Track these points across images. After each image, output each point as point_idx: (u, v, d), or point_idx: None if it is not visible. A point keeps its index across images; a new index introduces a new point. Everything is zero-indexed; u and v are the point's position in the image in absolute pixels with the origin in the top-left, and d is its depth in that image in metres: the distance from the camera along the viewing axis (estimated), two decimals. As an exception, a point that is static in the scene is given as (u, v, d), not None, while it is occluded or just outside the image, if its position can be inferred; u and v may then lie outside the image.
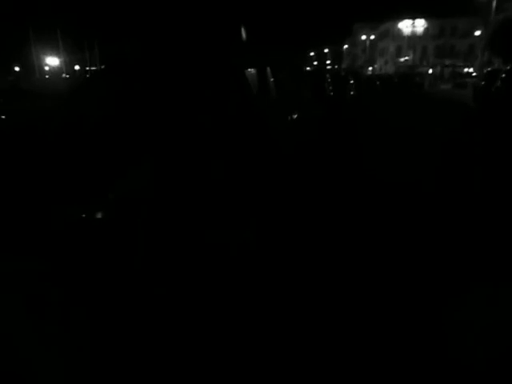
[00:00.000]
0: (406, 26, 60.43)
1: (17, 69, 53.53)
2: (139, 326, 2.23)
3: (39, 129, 3.48)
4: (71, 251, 2.16)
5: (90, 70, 42.05)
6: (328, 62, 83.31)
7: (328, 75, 10.90)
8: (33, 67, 48.36)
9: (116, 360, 2.05)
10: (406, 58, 59.88)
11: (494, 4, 34.77)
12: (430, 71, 56.12)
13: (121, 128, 3.00)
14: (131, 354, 2.10)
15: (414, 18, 59.28)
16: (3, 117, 8.54)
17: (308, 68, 25.52)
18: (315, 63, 79.98)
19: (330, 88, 10.35)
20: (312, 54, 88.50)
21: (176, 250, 2.53)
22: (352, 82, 14.53)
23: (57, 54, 51.16)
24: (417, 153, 7.44)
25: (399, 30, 61.23)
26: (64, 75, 43.87)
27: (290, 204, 3.96)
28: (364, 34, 69.13)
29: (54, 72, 49.84)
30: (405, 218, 4.15)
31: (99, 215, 2.21)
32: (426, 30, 60.25)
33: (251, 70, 4.30)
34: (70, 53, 50.80)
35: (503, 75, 3.62)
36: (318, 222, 4.02)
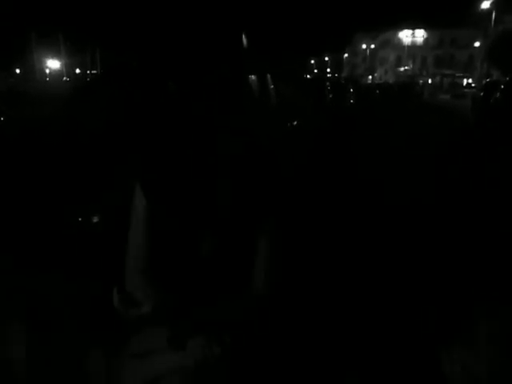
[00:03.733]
0: (405, 36, 60.91)
1: (18, 71, 53.62)
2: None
3: (36, 134, 3.47)
4: (69, 254, 2.15)
5: (90, 73, 42.06)
6: (328, 70, 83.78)
7: (328, 83, 10.96)
8: (33, 70, 48.37)
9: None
10: (406, 67, 60.27)
11: (494, 16, 35.08)
12: (430, 81, 56.52)
13: (118, 134, 3.00)
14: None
15: (413, 28, 59.79)
16: (2, 118, 8.54)
17: (308, 76, 25.64)
18: (315, 71, 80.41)
19: (330, 96, 10.40)
20: (312, 61, 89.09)
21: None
22: (352, 90, 14.57)
23: (58, 56, 51.26)
24: (413, 162, 7.44)
25: (399, 40, 61.68)
26: (64, 78, 43.84)
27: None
28: (364, 43, 69.45)
29: (55, 75, 49.87)
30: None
31: (95, 219, 2.20)
32: (426, 40, 60.73)
33: (251, 77, 4.31)
34: (71, 56, 50.88)
35: (502, 86, 3.64)
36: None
